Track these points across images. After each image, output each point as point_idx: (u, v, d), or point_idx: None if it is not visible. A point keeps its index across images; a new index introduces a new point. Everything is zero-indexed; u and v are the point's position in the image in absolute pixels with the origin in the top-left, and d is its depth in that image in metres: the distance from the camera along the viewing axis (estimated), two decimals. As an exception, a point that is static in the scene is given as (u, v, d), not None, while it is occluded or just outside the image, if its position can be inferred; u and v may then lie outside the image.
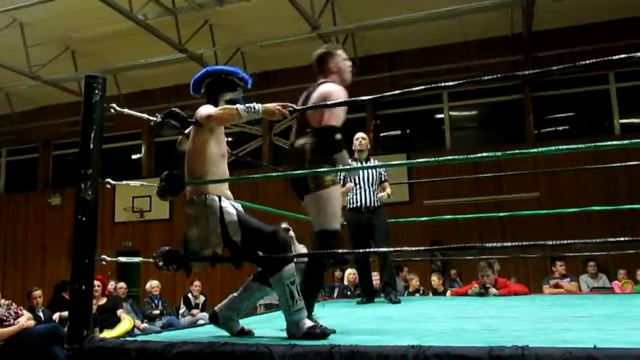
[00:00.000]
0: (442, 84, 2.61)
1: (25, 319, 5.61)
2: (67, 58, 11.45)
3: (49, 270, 12.77)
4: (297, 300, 2.60)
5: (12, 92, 13.07)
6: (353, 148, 5.40)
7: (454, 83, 2.57)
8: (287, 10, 9.10)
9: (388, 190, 5.39)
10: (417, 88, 2.65)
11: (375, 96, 2.77)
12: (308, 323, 2.57)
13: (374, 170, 5.38)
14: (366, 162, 5.40)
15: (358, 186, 5.28)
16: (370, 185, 5.30)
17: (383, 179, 5.46)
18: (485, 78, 2.50)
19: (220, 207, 2.69)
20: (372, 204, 5.26)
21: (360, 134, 5.50)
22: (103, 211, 12.89)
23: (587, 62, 2.23)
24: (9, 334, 5.33)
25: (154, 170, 13.44)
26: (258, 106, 2.68)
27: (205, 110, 2.78)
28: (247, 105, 2.71)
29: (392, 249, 5.19)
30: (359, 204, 5.25)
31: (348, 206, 5.26)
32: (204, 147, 2.78)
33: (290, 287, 2.59)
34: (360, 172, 5.26)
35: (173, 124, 2.81)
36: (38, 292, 6.79)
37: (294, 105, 2.82)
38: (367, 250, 5.17)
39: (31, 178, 14.84)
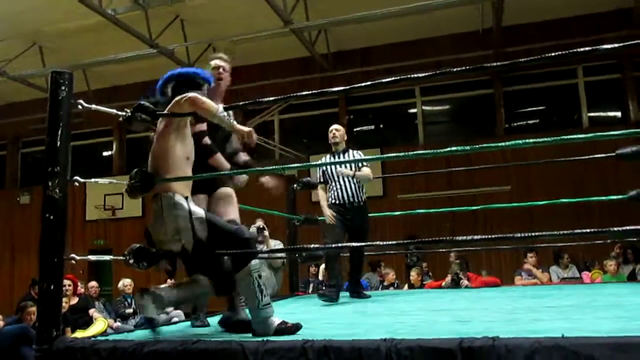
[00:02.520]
0: (414, 75, 2.61)
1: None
2: (35, 53, 11.21)
3: (18, 269, 12.54)
4: (265, 295, 2.60)
5: (-23, 89, 12.77)
6: (329, 141, 5.22)
7: (425, 74, 2.56)
8: (259, 5, 9.04)
9: (366, 172, 5.09)
10: (389, 79, 2.65)
11: (347, 87, 2.77)
12: (277, 320, 2.57)
13: (350, 163, 5.08)
14: (343, 155, 5.09)
15: (338, 182, 5.04)
16: (349, 180, 5.03)
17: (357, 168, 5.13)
18: (456, 70, 2.52)
19: (189, 205, 2.68)
20: (355, 200, 4.99)
21: (333, 126, 5.25)
22: (74, 209, 12.72)
23: (556, 54, 2.26)
24: (-23, 336, 5.21)
25: (126, 167, 13.27)
26: (232, 120, 2.74)
27: (181, 98, 2.73)
28: (225, 112, 2.71)
29: (367, 244, 5.10)
30: (339, 200, 4.99)
31: (330, 201, 5.04)
32: (170, 148, 2.75)
33: (258, 281, 2.60)
34: (337, 166, 5.03)
35: (143, 118, 2.75)
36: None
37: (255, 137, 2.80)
38: (341, 245, 4.95)
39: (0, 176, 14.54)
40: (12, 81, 11.65)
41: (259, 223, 6.20)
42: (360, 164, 5.10)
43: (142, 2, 9.54)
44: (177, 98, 2.73)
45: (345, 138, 5.26)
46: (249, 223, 5.75)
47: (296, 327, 2.55)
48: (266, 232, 6.09)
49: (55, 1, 9.15)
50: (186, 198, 2.70)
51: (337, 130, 5.17)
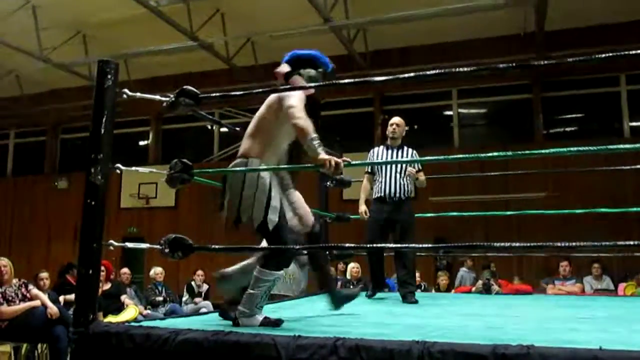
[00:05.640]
0: (457, 70, 2.50)
1: (39, 302, 5.60)
2: (79, 42, 11.44)
3: (54, 252, 12.84)
4: (265, 300, 2.81)
5: (22, 75, 13.09)
6: (387, 134, 5.09)
7: (466, 70, 2.46)
8: (299, 1, 9.07)
9: (421, 177, 4.98)
10: (429, 72, 2.61)
11: (384, 78, 2.72)
12: (260, 317, 2.73)
13: (405, 159, 4.95)
14: (398, 150, 4.93)
15: (383, 176, 4.85)
16: (397, 175, 4.81)
17: (417, 169, 4.97)
18: (499, 66, 2.45)
19: (270, 184, 2.76)
20: (398, 195, 4.78)
21: (395, 120, 5.03)
22: (109, 197, 12.93)
23: (603, 55, 2.19)
24: (15, 313, 5.36)
25: (161, 157, 13.48)
26: (321, 149, 2.63)
27: (295, 100, 2.74)
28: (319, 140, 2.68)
29: (398, 245, 4.93)
30: (382, 193, 4.81)
31: (373, 195, 4.91)
32: (271, 129, 2.86)
33: (272, 286, 2.76)
34: (389, 159, 4.90)
35: (187, 102, 2.80)
36: (45, 275, 6.82)
37: (348, 159, 2.78)
38: (375, 245, 4.82)
39: (39, 161, 14.90)
40: (55, 68, 11.91)
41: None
42: (417, 168, 4.94)
43: (185, -5, 9.67)
44: (290, 102, 2.74)
45: (404, 134, 5.07)
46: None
47: (278, 322, 2.70)
48: None
49: (100, -8, 9.34)
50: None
51: (397, 126, 4.97)
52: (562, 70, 10.55)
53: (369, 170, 5.06)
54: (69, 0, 9.95)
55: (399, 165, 4.88)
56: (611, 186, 9.44)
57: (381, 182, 4.85)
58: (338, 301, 3.28)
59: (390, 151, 4.93)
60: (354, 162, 2.93)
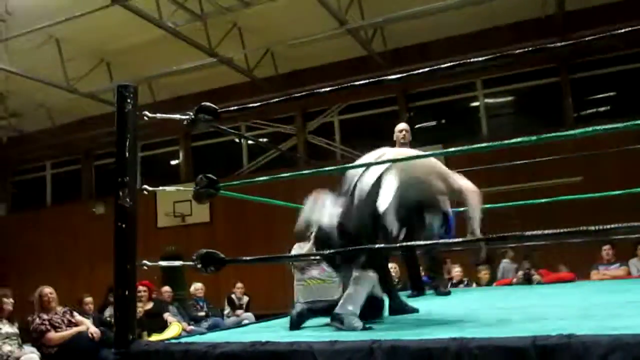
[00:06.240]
0: (475, 59, 2.48)
1: (85, 327, 5.75)
2: (103, 70, 11.70)
3: (97, 276, 13.09)
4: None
5: (51, 107, 13.44)
6: (395, 139, 5.29)
7: (487, 58, 2.45)
8: (313, 7, 9.10)
9: None
10: (448, 64, 2.56)
11: (402, 74, 2.71)
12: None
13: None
14: None
15: None
16: None
17: None
18: (519, 51, 2.39)
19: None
20: None
21: (403, 126, 5.34)
22: (146, 217, 13.20)
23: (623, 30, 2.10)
24: (63, 339, 5.50)
25: (192, 174, 13.66)
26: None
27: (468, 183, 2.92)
28: None
29: (430, 242, 4.96)
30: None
31: None
32: None
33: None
34: None
35: (206, 118, 2.82)
36: (89, 299, 7.02)
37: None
38: (406, 244, 4.89)
39: (75, 189, 15.27)
40: (83, 98, 12.19)
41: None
42: None
43: (201, 14, 9.80)
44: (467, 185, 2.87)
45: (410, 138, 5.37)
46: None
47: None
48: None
49: (119, 19, 9.51)
50: None
51: (407, 131, 5.28)
52: (589, 50, 10.31)
53: None
54: (90, 30, 10.18)
55: None
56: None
57: None
58: (394, 310, 3.30)
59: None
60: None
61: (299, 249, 5.65)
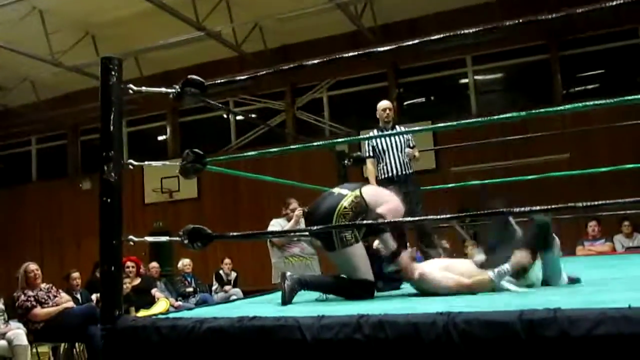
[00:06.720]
0: (464, 32, 2.44)
1: (71, 303, 5.76)
2: (88, 43, 11.49)
3: (85, 253, 13.06)
4: None
5: (36, 81, 13.24)
6: (378, 117, 5.33)
7: (477, 29, 2.40)
8: (303, -19, 8.97)
9: (416, 153, 5.32)
10: (437, 37, 2.51)
11: (391, 46, 2.65)
12: None
13: (400, 138, 5.25)
14: (392, 130, 5.32)
15: (387, 156, 5.18)
16: (399, 153, 5.18)
17: (411, 145, 5.32)
18: (509, 24, 2.35)
19: None
20: (403, 172, 5.16)
21: (386, 104, 5.35)
22: (133, 193, 13.12)
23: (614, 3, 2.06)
24: (49, 315, 5.48)
25: (180, 150, 13.55)
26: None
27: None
28: None
29: (423, 218, 5.02)
30: (390, 173, 5.15)
31: (379, 177, 5.19)
32: None
33: None
34: (387, 140, 5.18)
35: (193, 92, 2.76)
36: (76, 275, 7.00)
37: None
38: (402, 220, 4.91)
39: (62, 164, 15.12)
40: (68, 72, 12.00)
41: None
42: (411, 144, 5.30)
43: (188, -14, 9.62)
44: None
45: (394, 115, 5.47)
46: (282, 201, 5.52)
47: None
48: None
49: (104, -10, 9.34)
50: None
51: (390, 110, 5.30)
52: (579, 27, 10.28)
53: (371, 155, 5.29)
54: (74, 1, 9.98)
55: (398, 145, 5.22)
56: (638, 142, 9.22)
57: (386, 163, 5.19)
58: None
59: (386, 132, 5.27)
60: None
61: (278, 225, 5.62)
